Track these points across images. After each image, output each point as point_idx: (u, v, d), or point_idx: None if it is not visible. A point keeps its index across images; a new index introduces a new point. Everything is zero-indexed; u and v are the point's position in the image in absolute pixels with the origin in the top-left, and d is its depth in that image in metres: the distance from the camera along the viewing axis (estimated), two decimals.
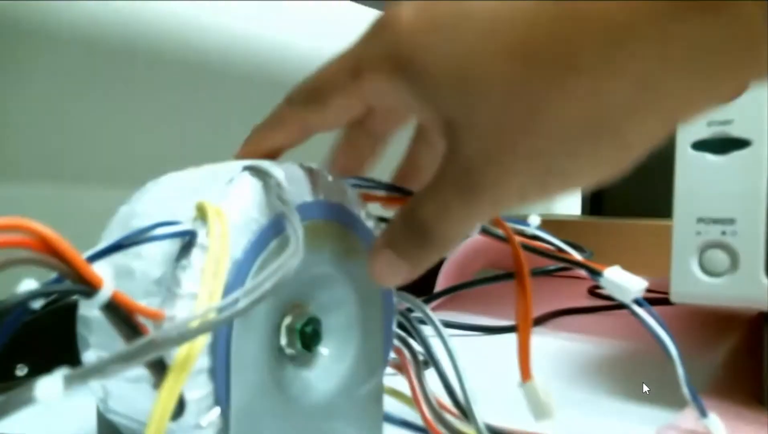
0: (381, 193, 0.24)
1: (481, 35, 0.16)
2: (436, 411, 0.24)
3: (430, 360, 0.25)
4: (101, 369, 0.12)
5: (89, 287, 0.14)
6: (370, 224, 0.23)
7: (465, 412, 0.23)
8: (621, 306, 0.25)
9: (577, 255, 0.26)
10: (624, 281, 0.24)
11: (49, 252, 0.13)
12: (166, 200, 0.21)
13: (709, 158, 0.31)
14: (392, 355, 0.25)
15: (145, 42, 0.53)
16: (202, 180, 0.21)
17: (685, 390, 0.25)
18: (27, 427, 0.29)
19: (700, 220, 0.31)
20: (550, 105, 0.15)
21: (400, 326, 0.25)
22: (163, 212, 0.20)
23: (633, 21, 0.14)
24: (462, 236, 0.19)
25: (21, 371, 0.34)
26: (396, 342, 0.25)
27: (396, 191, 0.24)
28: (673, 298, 0.32)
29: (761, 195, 0.29)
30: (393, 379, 0.26)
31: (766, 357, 0.32)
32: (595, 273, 0.24)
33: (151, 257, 0.19)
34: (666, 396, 0.34)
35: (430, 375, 0.25)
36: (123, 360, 0.12)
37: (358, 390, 0.23)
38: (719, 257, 0.30)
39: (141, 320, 0.16)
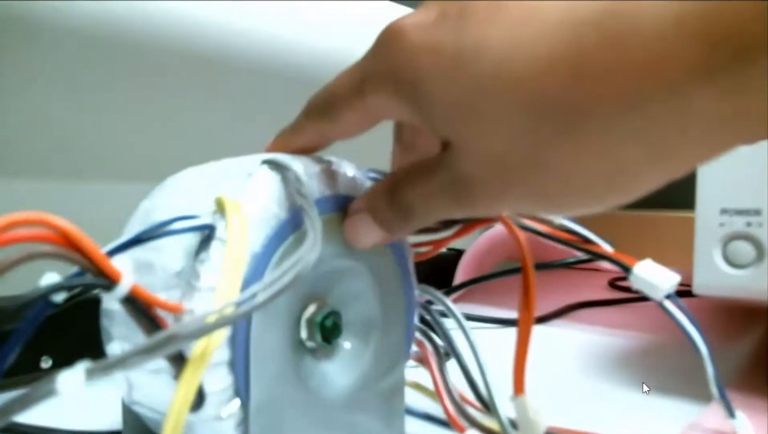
0: None
1: (493, 71, 0.15)
2: (459, 404, 0.24)
3: (452, 353, 0.25)
4: (122, 362, 0.12)
5: (109, 281, 0.14)
6: None
7: (487, 406, 0.23)
8: (642, 298, 0.24)
9: (606, 247, 0.25)
10: (655, 278, 0.22)
11: (70, 247, 0.14)
12: (186, 194, 0.21)
13: None
14: (414, 348, 0.25)
15: (146, 39, 0.53)
16: (222, 174, 0.21)
17: (714, 390, 0.24)
18: (55, 418, 0.29)
19: (724, 211, 0.30)
20: (556, 152, 0.15)
21: (422, 319, 0.25)
22: (182, 207, 0.20)
23: (657, 87, 0.14)
24: (444, 215, 0.20)
25: (46, 363, 0.35)
26: (418, 335, 0.25)
27: None
28: (696, 290, 0.31)
29: None
30: (415, 372, 0.26)
31: None
32: (625, 268, 0.23)
33: (171, 250, 0.19)
34: (690, 389, 0.33)
35: (452, 368, 0.25)
36: (143, 353, 0.12)
37: (380, 383, 0.23)
38: (744, 249, 0.30)
39: (161, 313, 0.16)
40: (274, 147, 0.22)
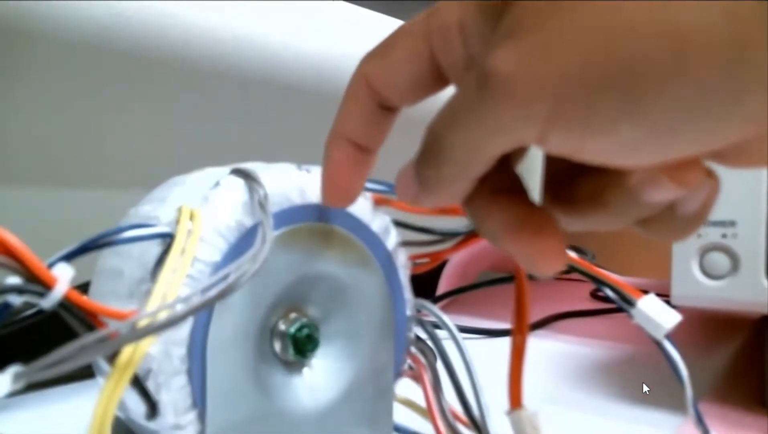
0: (394, 197, 0.24)
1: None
2: (451, 424, 0.24)
3: (449, 375, 0.24)
4: (49, 366, 0.12)
5: (42, 287, 0.14)
6: (381, 229, 0.23)
7: (478, 427, 0.23)
8: (622, 309, 0.24)
9: (616, 277, 0.24)
10: (657, 315, 0.22)
11: (3, 253, 0.13)
12: (157, 202, 0.21)
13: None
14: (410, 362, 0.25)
15: (137, 46, 0.53)
16: (197, 183, 0.21)
17: (692, 412, 0.24)
18: (39, 426, 0.29)
19: None
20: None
21: (417, 335, 0.25)
22: (148, 215, 0.20)
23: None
24: (471, 154, 0.15)
25: None
26: (413, 350, 0.25)
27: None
28: (673, 301, 0.32)
29: (762, 197, 0.29)
30: (407, 388, 0.25)
31: None
32: (628, 301, 0.22)
33: (138, 258, 0.19)
34: (670, 400, 0.34)
35: (443, 379, 0.24)
36: (69, 356, 0.12)
37: (365, 398, 0.23)
38: (720, 260, 0.30)
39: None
40: (330, 145, 0.20)
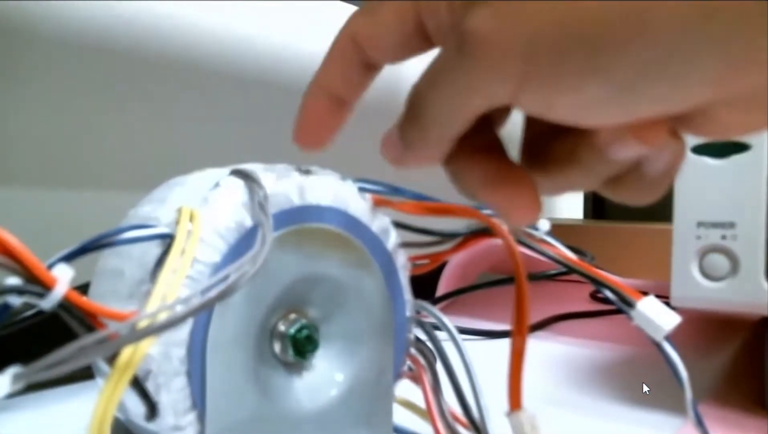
0: (393, 198, 0.24)
1: None
2: (451, 425, 0.24)
3: (448, 376, 0.24)
4: (48, 367, 0.12)
5: (41, 288, 0.14)
6: (381, 231, 0.23)
7: (478, 428, 0.23)
8: (622, 311, 0.24)
9: (615, 278, 0.23)
10: (657, 317, 0.22)
11: (3, 253, 0.13)
12: (156, 203, 0.21)
13: (709, 161, 0.31)
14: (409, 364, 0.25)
15: (145, 45, 0.53)
16: (198, 184, 0.21)
17: (691, 413, 0.24)
18: (39, 427, 0.29)
19: (701, 224, 0.31)
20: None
21: (416, 337, 0.25)
22: (148, 215, 0.20)
23: None
24: (451, 113, 0.16)
25: None
26: (413, 351, 0.25)
27: (407, 196, 0.24)
28: (673, 302, 0.32)
29: (761, 199, 0.29)
30: (406, 389, 0.25)
31: None
32: (627, 303, 0.22)
33: (138, 259, 0.19)
34: (670, 402, 0.34)
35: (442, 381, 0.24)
36: (68, 357, 0.12)
37: (365, 399, 0.23)
38: (719, 262, 0.30)
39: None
40: (310, 95, 0.21)
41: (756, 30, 0.12)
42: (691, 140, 0.31)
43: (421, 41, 0.18)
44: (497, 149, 0.19)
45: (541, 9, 0.14)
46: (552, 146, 0.18)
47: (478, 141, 0.18)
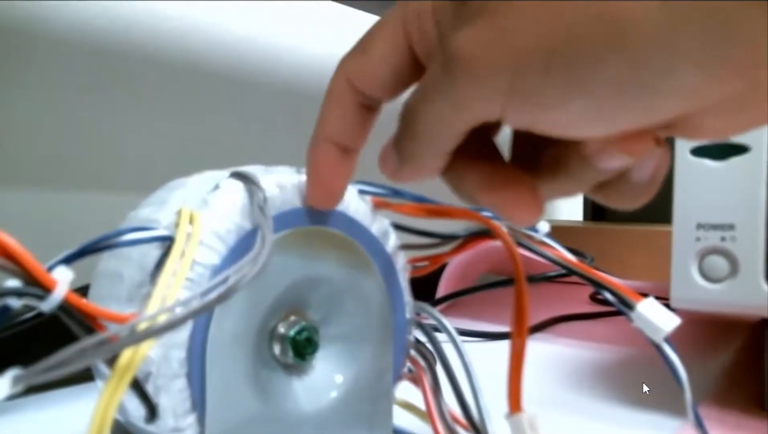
0: (393, 200, 0.24)
1: None
2: (450, 427, 0.24)
3: (448, 378, 0.24)
4: (48, 369, 0.12)
5: (41, 290, 0.14)
6: (381, 233, 0.23)
7: (478, 431, 0.23)
8: (621, 313, 0.24)
9: (615, 280, 0.24)
10: (656, 318, 0.22)
11: (3, 255, 0.13)
12: (156, 205, 0.21)
13: (709, 163, 0.31)
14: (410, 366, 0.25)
15: (146, 46, 0.53)
16: (198, 186, 0.21)
17: (691, 415, 0.24)
18: (39, 429, 0.29)
19: (700, 226, 0.31)
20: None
21: (416, 338, 0.25)
22: (148, 217, 0.20)
23: None
24: (440, 128, 0.17)
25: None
26: (413, 353, 0.25)
27: (406, 198, 0.24)
28: (673, 304, 0.32)
29: (760, 201, 0.29)
30: (406, 391, 0.25)
31: (767, 363, 0.32)
32: (627, 304, 0.22)
33: (138, 261, 0.19)
34: (667, 402, 0.34)
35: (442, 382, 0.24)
36: (69, 360, 0.12)
37: (365, 401, 0.23)
38: (719, 263, 0.30)
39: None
40: (314, 145, 0.21)
41: (728, 41, 0.13)
42: (691, 142, 0.31)
43: (414, 69, 0.19)
44: (494, 154, 0.19)
45: (524, 29, 0.14)
46: (540, 155, 0.18)
47: (475, 149, 0.18)
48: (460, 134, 0.17)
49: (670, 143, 0.18)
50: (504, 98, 0.15)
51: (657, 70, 0.13)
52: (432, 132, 0.17)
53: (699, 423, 0.24)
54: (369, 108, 0.20)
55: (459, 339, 0.23)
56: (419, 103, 0.17)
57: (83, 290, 0.19)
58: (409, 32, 0.18)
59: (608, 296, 0.23)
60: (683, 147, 0.32)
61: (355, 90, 0.19)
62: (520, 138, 0.20)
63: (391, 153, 0.19)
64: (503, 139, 0.20)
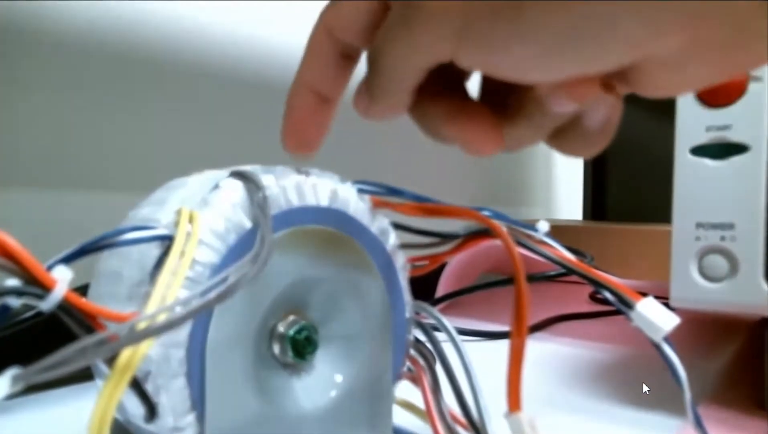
0: (393, 199, 0.24)
1: None
2: (450, 426, 0.24)
3: (448, 377, 0.24)
4: (47, 369, 0.12)
5: (41, 289, 0.14)
6: (380, 232, 0.23)
7: (478, 430, 0.23)
8: (621, 312, 0.24)
9: (614, 279, 0.23)
10: (656, 318, 0.21)
11: (2, 255, 0.13)
12: (155, 205, 0.21)
13: (708, 163, 0.31)
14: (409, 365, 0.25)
15: (146, 46, 0.53)
16: (197, 185, 0.21)
17: (690, 415, 0.24)
18: (38, 428, 0.29)
19: (700, 225, 0.31)
20: None
21: (416, 337, 0.25)
22: (147, 217, 0.20)
23: None
24: (400, 67, 0.18)
25: None
26: (412, 352, 0.25)
27: (406, 198, 0.24)
28: (672, 303, 0.32)
29: (760, 200, 0.29)
30: (406, 390, 0.25)
31: (767, 363, 0.32)
32: (627, 304, 0.22)
33: (137, 260, 0.19)
34: (667, 402, 0.34)
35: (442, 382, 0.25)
36: (67, 360, 0.12)
37: (364, 400, 0.23)
38: (718, 263, 0.30)
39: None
40: (293, 95, 0.22)
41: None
42: (691, 141, 0.31)
43: (385, 14, 0.19)
44: (461, 92, 0.20)
45: None
46: (503, 99, 0.20)
47: (445, 91, 0.20)
48: (418, 72, 0.18)
49: (626, 99, 0.19)
50: (455, 40, 0.16)
51: (602, 20, 0.14)
52: (393, 70, 0.18)
53: (698, 423, 0.24)
54: (347, 57, 0.21)
55: (458, 338, 0.23)
56: (380, 43, 0.18)
57: (83, 290, 0.19)
58: None
59: (608, 295, 0.23)
60: (683, 146, 0.32)
61: (333, 38, 0.20)
62: (486, 84, 0.21)
63: (362, 92, 0.20)
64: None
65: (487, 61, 0.16)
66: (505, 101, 0.20)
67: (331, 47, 0.21)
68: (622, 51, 0.15)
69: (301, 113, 0.21)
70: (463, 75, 0.21)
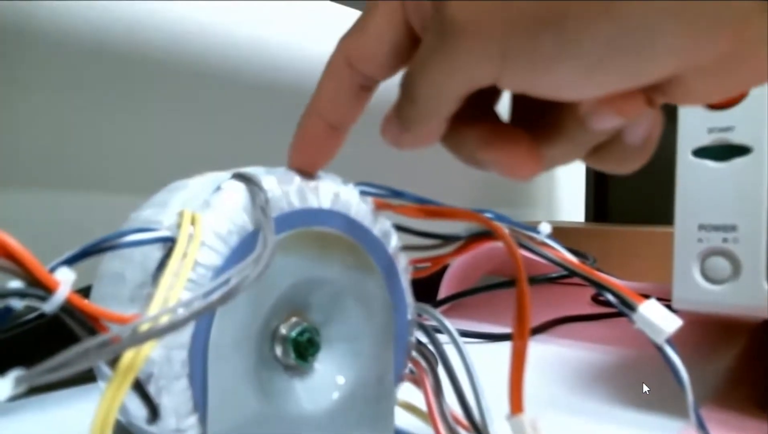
0: (395, 201, 0.24)
1: None
2: (452, 428, 0.23)
3: (450, 379, 0.24)
4: (50, 370, 0.12)
5: (43, 291, 0.14)
6: (382, 234, 0.23)
7: (480, 432, 0.23)
8: (623, 314, 0.24)
9: (617, 281, 0.23)
10: (658, 320, 0.21)
11: (5, 256, 0.13)
12: (157, 207, 0.21)
13: (710, 164, 0.31)
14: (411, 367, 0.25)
15: (147, 47, 0.53)
16: (200, 187, 0.21)
17: (693, 416, 0.24)
18: (41, 430, 0.29)
19: (702, 227, 0.31)
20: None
21: (418, 339, 0.25)
22: (149, 219, 0.20)
23: None
24: (438, 93, 0.17)
25: None
26: (414, 354, 0.25)
27: (407, 199, 0.24)
28: (675, 305, 0.32)
29: (762, 202, 0.29)
30: (409, 393, 0.25)
31: None
32: (629, 306, 0.22)
33: (140, 262, 0.19)
34: (669, 404, 0.34)
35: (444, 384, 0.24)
36: (69, 361, 0.12)
37: (366, 402, 0.23)
38: (721, 264, 0.30)
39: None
40: (306, 117, 0.21)
41: (717, 1, 0.13)
42: (693, 143, 0.31)
43: (411, 45, 0.19)
44: (494, 118, 0.20)
45: None
46: (539, 119, 0.19)
47: (475, 116, 0.19)
48: (457, 98, 0.17)
49: (664, 112, 0.18)
50: (497, 63, 0.15)
51: (644, 31, 0.14)
52: (430, 98, 0.18)
53: (701, 425, 0.24)
54: (363, 88, 0.20)
55: (460, 340, 0.23)
56: (417, 70, 0.17)
57: (85, 291, 0.19)
58: (404, 6, 0.18)
59: (610, 297, 0.23)
60: (685, 148, 0.32)
61: (352, 69, 0.20)
62: (519, 104, 0.20)
63: (392, 120, 0.19)
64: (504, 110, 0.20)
65: (531, 83, 0.16)
66: (541, 121, 0.19)
67: (348, 78, 0.20)
68: (669, 61, 0.14)
69: (310, 138, 0.21)
70: (493, 98, 0.20)
